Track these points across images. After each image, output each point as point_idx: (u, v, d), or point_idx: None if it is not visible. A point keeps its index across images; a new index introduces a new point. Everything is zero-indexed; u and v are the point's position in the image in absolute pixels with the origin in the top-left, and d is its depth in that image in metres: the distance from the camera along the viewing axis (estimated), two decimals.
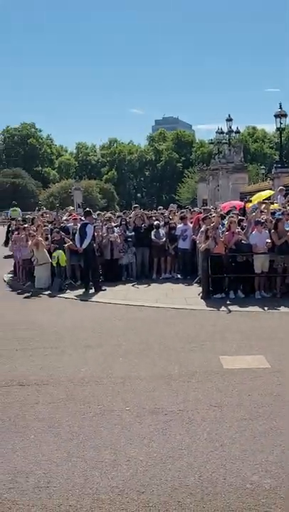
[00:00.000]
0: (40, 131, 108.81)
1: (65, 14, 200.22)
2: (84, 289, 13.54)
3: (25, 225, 16.11)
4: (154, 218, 16.28)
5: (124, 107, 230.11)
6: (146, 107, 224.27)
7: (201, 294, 12.22)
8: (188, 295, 12.51)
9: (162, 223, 15.76)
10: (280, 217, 12.79)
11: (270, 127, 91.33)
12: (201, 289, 12.49)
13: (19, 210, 26.70)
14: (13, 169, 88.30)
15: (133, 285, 14.26)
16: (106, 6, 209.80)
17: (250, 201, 16.69)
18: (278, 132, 36.52)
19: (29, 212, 29.91)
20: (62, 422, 5.44)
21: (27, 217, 20.71)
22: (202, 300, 11.90)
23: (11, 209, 26.92)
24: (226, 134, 44.55)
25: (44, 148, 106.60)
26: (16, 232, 15.95)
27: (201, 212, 16.00)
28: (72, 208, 26.05)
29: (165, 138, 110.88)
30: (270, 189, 22.53)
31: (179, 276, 15.08)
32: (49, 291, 13.69)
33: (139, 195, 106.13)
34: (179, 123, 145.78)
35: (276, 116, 30.41)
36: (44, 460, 4.63)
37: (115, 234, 15.15)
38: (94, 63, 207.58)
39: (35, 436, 5.13)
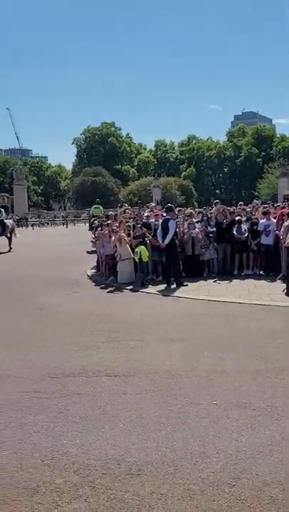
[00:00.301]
0: (120, 129, 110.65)
1: (137, 14, 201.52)
2: (166, 285, 13.63)
3: (109, 222, 16.42)
4: (236, 214, 16.07)
5: (203, 103, 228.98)
6: (224, 102, 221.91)
7: (285, 291, 11.92)
8: (272, 291, 12.24)
9: (244, 219, 15.54)
10: None
11: None
12: (285, 285, 12.19)
13: (101, 207, 27.23)
14: (94, 168, 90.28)
15: (215, 281, 14.16)
16: (180, 5, 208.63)
17: None
18: None
19: (111, 209, 30.47)
20: (150, 413, 5.51)
21: (110, 213, 21.10)
22: (286, 296, 11.62)
23: (93, 206, 27.50)
24: None
25: (123, 146, 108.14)
26: (100, 229, 16.30)
27: (285, 207, 15.62)
28: (153, 204, 26.25)
29: (244, 133, 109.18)
30: None
31: (261, 272, 14.83)
32: (131, 286, 13.88)
33: (217, 191, 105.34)
34: (259, 117, 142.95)
35: None
36: (134, 449, 4.71)
37: (196, 230, 15.11)
38: (171, 62, 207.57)
39: (124, 426, 5.23)
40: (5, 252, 25.11)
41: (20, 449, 4.79)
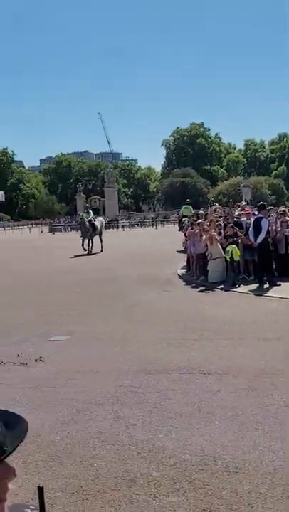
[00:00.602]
0: (209, 130, 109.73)
1: (228, 14, 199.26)
2: (258, 284, 13.35)
3: (199, 221, 16.37)
4: None
5: None
6: None
7: None
8: None
9: None
10: None
11: None
12: None
13: (191, 207, 27.18)
14: (183, 169, 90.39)
15: None
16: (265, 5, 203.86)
17: None
18: None
19: (201, 209, 30.34)
20: (246, 411, 5.41)
21: (200, 212, 21.02)
22: None
23: (183, 206, 27.51)
24: None
25: (212, 146, 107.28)
26: (190, 228, 16.29)
27: None
28: (244, 203, 25.85)
29: None
30: None
31: None
32: (222, 286, 13.74)
33: None
34: None
35: None
36: (231, 446, 4.65)
37: None
38: (260, 61, 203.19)
39: (220, 423, 5.18)
40: (97, 253, 25.76)
41: (117, 441, 4.89)
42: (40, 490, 1.11)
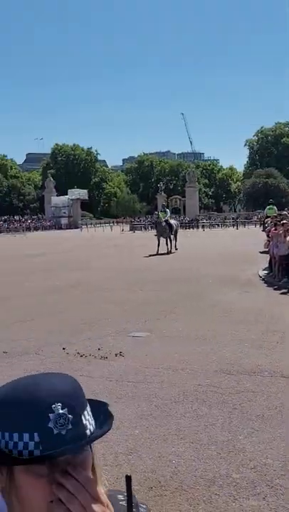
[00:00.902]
0: None
1: None
2: None
3: (284, 221, 15.93)
4: None
5: None
6: None
7: None
8: None
9: None
10: None
11: None
12: None
13: (275, 208, 26.61)
14: (266, 169, 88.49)
15: None
16: None
17: None
18: None
19: (285, 209, 29.61)
20: None
21: (283, 213, 20.50)
22: None
23: (268, 207, 27.03)
24: None
25: None
26: (274, 228, 15.90)
27: None
28: None
29: None
30: None
31: None
32: None
33: None
34: None
35: None
36: None
37: None
38: None
39: None
40: (174, 252, 25.81)
41: (196, 440, 4.83)
42: (128, 479, 1.09)
